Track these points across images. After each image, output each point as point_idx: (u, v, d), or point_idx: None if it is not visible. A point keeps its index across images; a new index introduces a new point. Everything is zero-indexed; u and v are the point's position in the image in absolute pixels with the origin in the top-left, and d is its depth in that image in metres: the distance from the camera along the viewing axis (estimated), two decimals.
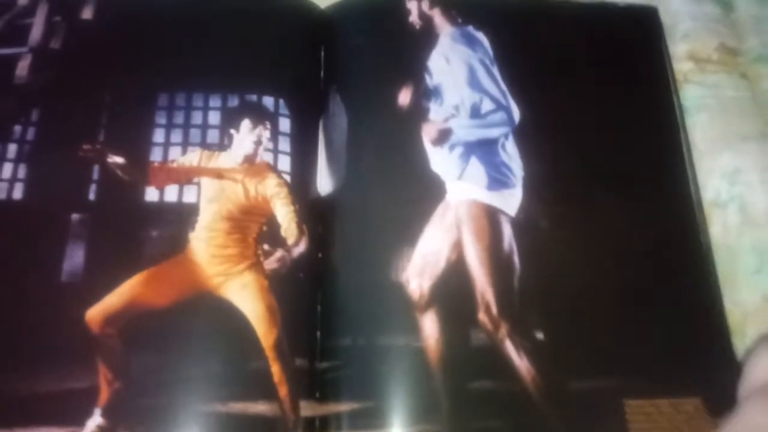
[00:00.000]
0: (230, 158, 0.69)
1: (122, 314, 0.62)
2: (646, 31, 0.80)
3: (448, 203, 0.68)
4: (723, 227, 0.72)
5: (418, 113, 0.72)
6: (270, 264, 0.66)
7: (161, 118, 0.70)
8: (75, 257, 0.64)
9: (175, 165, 0.68)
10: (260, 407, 0.59)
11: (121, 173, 0.67)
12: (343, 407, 0.60)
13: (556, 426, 0.61)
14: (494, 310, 0.63)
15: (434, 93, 0.73)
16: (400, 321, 0.63)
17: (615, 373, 0.63)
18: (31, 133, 0.70)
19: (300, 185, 0.68)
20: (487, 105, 0.72)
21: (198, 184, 0.68)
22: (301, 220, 0.66)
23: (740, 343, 0.67)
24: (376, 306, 0.64)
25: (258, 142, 0.69)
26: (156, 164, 0.68)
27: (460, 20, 0.76)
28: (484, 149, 0.70)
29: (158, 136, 0.70)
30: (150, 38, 0.74)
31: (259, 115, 0.70)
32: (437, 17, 0.76)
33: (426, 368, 0.61)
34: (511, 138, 0.71)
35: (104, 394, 0.59)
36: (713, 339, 0.66)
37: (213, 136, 0.70)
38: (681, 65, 0.80)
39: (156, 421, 0.58)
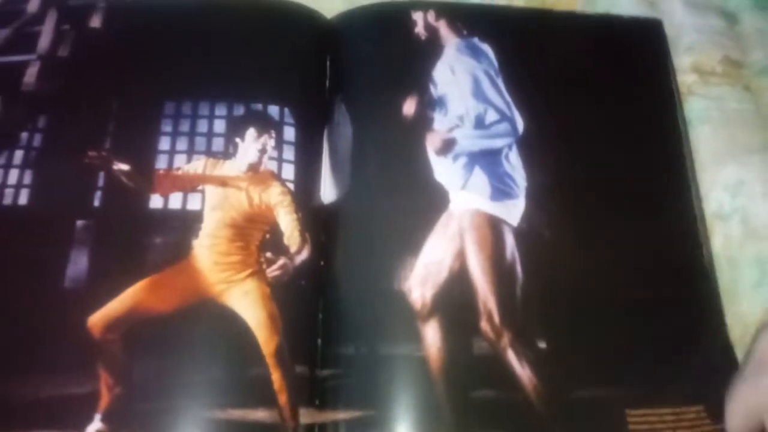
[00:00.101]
0: (235, 166, 0.69)
1: (124, 320, 0.62)
2: (651, 44, 0.80)
3: (452, 213, 0.68)
4: (725, 239, 0.72)
5: (422, 123, 0.72)
6: (272, 272, 0.66)
7: (167, 126, 0.71)
8: (79, 263, 0.65)
9: (180, 173, 0.69)
10: (260, 414, 0.59)
11: (127, 180, 0.67)
12: (343, 415, 0.60)
13: None
14: (496, 319, 0.63)
15: (439, 103, 0.73)
16: (402, 330, 0.63)
17: (617, 382, 0.63)
18: (37, 140, 0.70)
19: (303, 194, 0.69)
20: (491, 116, 0.72)
21: (202, 192, 0.68)
22: (304, 229, 0.67)
23: (741, 354, 0.66)
24: (378, 315, 0.64)
25: (263, 151, 0.69)
26: (161, 172, 0.68)
27: (465, 32, 0.77)
28: (488, 160, 0.70)
29: (164, 143, 0.70)
30: (157, 47, 0.75)
31: (264, 124, 0.70)
32: (443, 28, 0.77)
33: (428, 377, 0.61)
34: (514, 149, 0.71)
35: (105, 400, 0.59)
36: (714, 347, 0.66)
37: (218, 144, 0.70)
38: (685, 77, 0.80)
39: (156, 426, 0.58)
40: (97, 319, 0.62)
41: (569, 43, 0.79)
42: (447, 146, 0.70)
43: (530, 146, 0.71)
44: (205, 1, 0.82)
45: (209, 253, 0.66)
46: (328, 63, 0.77)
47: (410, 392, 0.60)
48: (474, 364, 0.63)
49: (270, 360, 0.61)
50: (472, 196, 0.69)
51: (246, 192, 0.68)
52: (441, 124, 0.72)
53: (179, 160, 0.70)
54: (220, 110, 0.72)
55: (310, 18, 0.79)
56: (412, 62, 0.75)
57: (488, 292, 0.64)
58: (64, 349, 0.61)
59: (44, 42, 0.75)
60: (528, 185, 0.69)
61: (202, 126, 0.71)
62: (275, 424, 0.59)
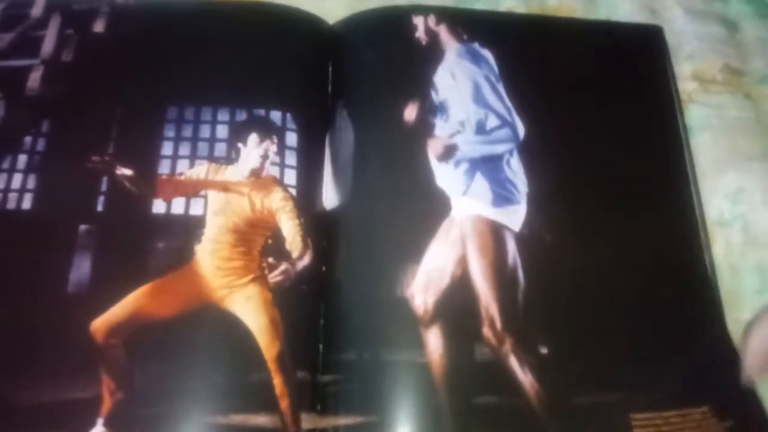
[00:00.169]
0: (237, 172, 0.69)
1: (127, 325, 0.62)
2: (651, 50, 0.81)
3: (453, 219, 0.68)
4: (726, 247, 0.72)
5: (423, 129, 0.72)
6: (274, 277, 0.66)
7: (170, 131, 0.71)
8: (82, 268, 0.65)
9: (182, 178, 0.69)
10: (261, 419, 0.59)
11: (130, 185, 0.67)
12: (345, 421, 0.60)
13: None
14: (498, 325, 0.63)
15: (440, 109, 0.73)
16: (403, 336, 0.63)
17: (620, 387, 0.63)
18: (41, 144, 0.71)
19: (305, 199, 0.69)
20: (492, 121, 0.72)
21: (205, 197, 0.68)
22: (305, 234, 0.67)
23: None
24: (379, 320, 0.64)
25: (265, 156, 0.69)
26: (164, 177, 0.69)
27: (465, 37, 0.77)
28: (489, 165, 0.71)
29: (167, 148, 0.70)
30: (160, 52, 0.75)
31: (267, 130, 0.70)
32: (443, 34, 0.77)
33: (430, 383, 0.61)
34: (515, 154, 0.71)
35: (107, 404, 0.59)
36: (716, 346, 0.66)
37: (221, 149, 0.71)
38: (685, 85, 0.80)
39: (158, 431, 0.58)
40: (99, 323, 0.62)
41: (570, 49, 0.79)
42: (448, 152, 0.71)
43: (531, 152, 0.71)
44: (208, 6, 0.82)
45: (211, 258, 0.66)
46: (330, 68, 0.77)
47: (412, 398, 0.60)
48: (476, 371, 0.63)
49: (272, 365, 0.61)
50: (473, 202, 0.69)
51: (248, 197, 0.68)
52: (442, 129, 0.72)
53: (182, 165, 0.70)
54: (223, 115, 0.72)
55: (312, 24, 0.79)
56: (413, 67, 0.76)
57: (490, 298, 0.64)
58: (67, 353, 0.61)
59: (48, 46, 0.76)
60: (529, 191, 0.70)
61: (205, 131, 0.72)
62: (277, 430, 0.59)
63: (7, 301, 0.63)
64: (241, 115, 0.72)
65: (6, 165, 0.69)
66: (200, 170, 0.69)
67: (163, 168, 0.70)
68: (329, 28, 0.79)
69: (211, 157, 0.70)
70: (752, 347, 0.63)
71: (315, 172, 0.71)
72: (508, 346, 0.63)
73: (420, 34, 0.77)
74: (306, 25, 0.78)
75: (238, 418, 0.59)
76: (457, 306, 0.65)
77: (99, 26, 0.77)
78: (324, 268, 0.67)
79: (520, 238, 0.67)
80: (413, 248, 0.66)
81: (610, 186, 0.72)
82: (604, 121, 0.75)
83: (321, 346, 0.64)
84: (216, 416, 0.58)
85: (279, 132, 0.71)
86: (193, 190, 0.69)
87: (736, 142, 0.77)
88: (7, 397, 0.59)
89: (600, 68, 0.78)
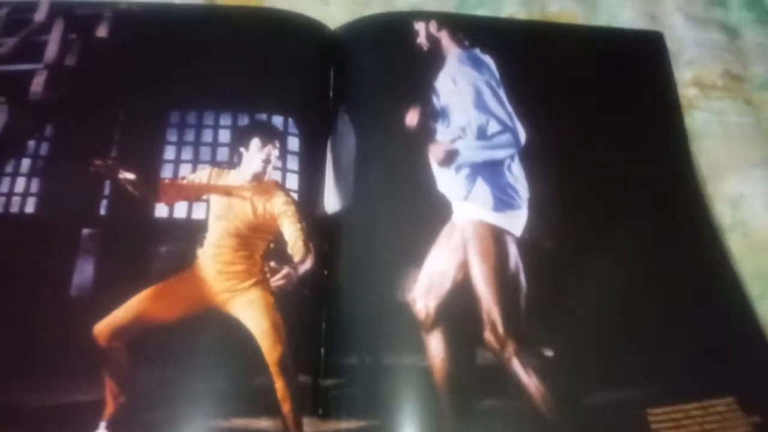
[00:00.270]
0: (239, 176, 0.70)
1: (129, 329, 0.62)
2: (652, 56, 0.81)
3: (455, 224, 0.68)
4: None
5: (425, 134, 0.72)
6: (276, 281, 0.66)
7: (172, 136, 0.71)
8: (84, 271, 0.65)
9: (185, 182, 0.69)
10: (263, 423, 0.59)
11: (132, 189, 0.68)
12: (347, 425, 0.60)
13: None
14: (500, 329, 0.63)
15: (441, 114, 0.73)
16: (405, 340, 0.64)
17: (633, 382, 0.62)
18: (44, 149, 0.71)
19: (307, 203, 0.69)
20: (493, 127, 0.72)
21: (207, 201, 0.69)
22: (307, 238, 0.67)
23: None
24: (381, 325, 0.64)
25: (267, 161, 0.70)
26: (166, 181, 0.69)
27: (467, 43, 0.77)
28: (490, 170, 0.71)
29: (169, 153, 0.71)
30: (163, 57, 0.76)
31: (269, 134, 0.71)
32: (444, 39, 0.78)
33: (431, 387, 0.61)
34: (517, 160, 0.71)
35: (110, 408, 0.59)
36: (744, 332, 0.64)
37: (223, 154, 0.71)
38: (686, 91, 0.81)
39: None
40: (102, 327, 0.62)
41: (571, 55, 0.80)
42: (449, 157, 0.71)
43: (533, 157, 0.71)
44: (211, 11, 0.83)
45: (213, 262, 0.66)
46: (331, 73, 0.78)
47: (414, 402, 0.60)
48: (478, 375, 0.63)
49: (273, 369, 0.61)
50: (474, 206, 0.69)
51: (250, 202, 0.68)
52: (443, 135, 0.72)
53: (184, 170, 0.70)
54: (225, 120, 0.72)
55: (314, 29, 0.79)
56: (415, 73, 0.76)
57: (492, 302, 0.64)
58: (70, 356, 0.61)
59: (51, 51, 0.76)
60: (530, 196, 0.70)
61: (207, 136, 0.72)
62: None
63: (10, 305, 0.63)
64: (244, 120, 0.72)
65: (9, 169, 0.70)
66: (202, 174, 0.70)
67: (166, 172, 0.70)
68: (331, 34, 0.80)
69: (213, 162, 0.71)
70: None
71: (317, 176, 0.71)
72: (510, 350, 0.63)
73: (421, 39, 0.78)
74: (308, 30, 0.79)
75: (240, 422, 0.59)
76: (458, 310, 0.65)
77: (102, 31, 0.77)
78: (326, 273, 0.67)
79: (521, 243, 0.67)
80: (415, 253, 0.66)
81: (611, 191, 0.72)
82: (604, 127, 0.75)
83: (323, 350, 0.64)
84: (218, 420, 0.58)
85: (281, 137, 0.71)
86: (195, 194, 0.69)
87: (737, 148, 0.77)
88: (11, 400, 0.59)
89: (601, 74, 0.79)
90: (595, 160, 0.73)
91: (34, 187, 0.69)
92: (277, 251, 0.67)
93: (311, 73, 0.77)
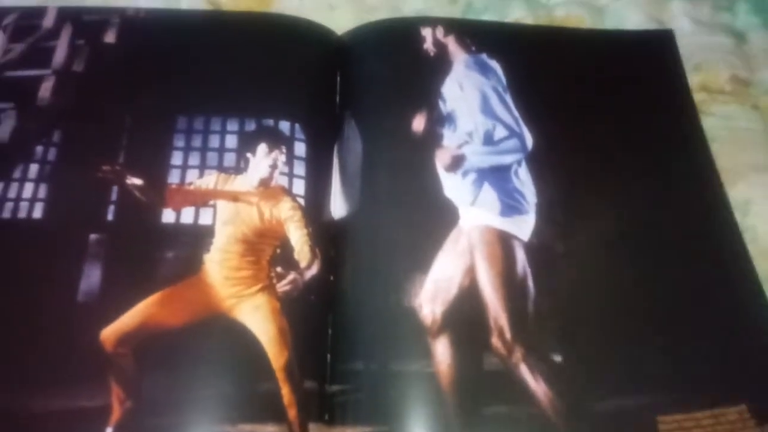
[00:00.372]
0: (246, 181, 0.70)
1: (136, 334, 0.62)
2: (662, 54, 0.80)
3: (461, 229, 0.68)
4: None
5: (431, 139, 0.72)
6: (282, 286, 0.66)
7: (179, 141, 0.72)
8: (92, 277, 0.65)
9: (192, 187, 0.69)
10: (269, 429, 0.59)
11: (139, 195, 0.68)
12: (353, 430, 0.60)
13: None
14: (508, 334, 0.63)
15: (448, 119, 0.73)
16: (412, 346, 0.63)
17: (643, 390, 0.61)
18: (52, 154, 0.71)
19: (314, 209, 0.69)
20: (500, 132, 0.72)
21: (214, 207, 0.69)
22: (314, 244, 0.67)
23: None
24: (387, 330, 0.64)
25: (273, 166, 0.70)
26: (173, 186, 0.69)
27: (473, 48, 0.77)
28: (497, 176, 0.71)
29: (176, 158, 0.71)
30: (170, 63, 0.76)
31: (276, 140, 0.71)
32: (451, 45, 0.78)
33: (438, 393, 0.61)
34: (524, 165, 0.71)
35: (116, 413, 0.60)
36: (758, 338, 0.64)
37: (230, 159, 0.71)
38: (693, 96, 0.80)
39: None
40: (109, 332, 0.62)
41: (577, 59, 0.80)
42: (456, 162, 0.71)
43: (540, 162, 0.71)
44: (217, 17, 0.83)
45: (220, 267, 0.67)
46: (338, 79, 0.78)
47: (420, 408, 0.60)
48: (485, 380, 0.63)
49: (280, 375, 0.61)
50: (481, 212, 0.69)
51: (257, 207, 0.69)
52: (450, 140, 0.72)
53: (191, 175, 0.70)
54: (232, 126, 0.72)
55: (321, 35, 0.79)
56: (421, 78, 0.76)
57: (499, 307, 0.64)
58: (76, 361, 0.61)
59: (59, 57, 0.76)
60: (538, 201, 0.69)
61: (214, 141, 0.72)
62: None
63: (17, 309, 0.63)
64: (250, 126, 0.72)
65: (18, 174, 0.70)
66: (209, 180, 0.70)
67: (173, 178, 0.70)
68: (338, 39, 0.80)
69: (220, 167, 0.71)
70: None
71: (323, 181, 0.71)
72: (518, 356, 0.62)
73: (428, 45, 0.78)
74: (315, 36, 0.79)
75: (247, 428, 0.59)
76: (465, 316, 0.65)
77: (110, 37, 0.78)
78: (332, 278, 0.67)
79: (529, 248, 0.67)
80: (421, 258, 0.66)
81: (619, 194, 0.71)
82: (612, 130, 0.75)
83: (329, 356, 0.64)
84: (224, 426, 0.58)
85: (288, 142, 0.71)
86: (202, 199, 0.69)
87: (745, 153, 0.77)
88: (18, 404, 0.59)
89: (607, 77, 0.79)
90: (602, 164, 0.73)
91: (42, 192, 0.69)
92: (284, 257, 0.67)
93: (318, 79, 0.77)
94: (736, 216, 0.72)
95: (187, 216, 0.69)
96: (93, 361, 0.61)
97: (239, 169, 0.70)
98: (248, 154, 0.70)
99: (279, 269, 0.67)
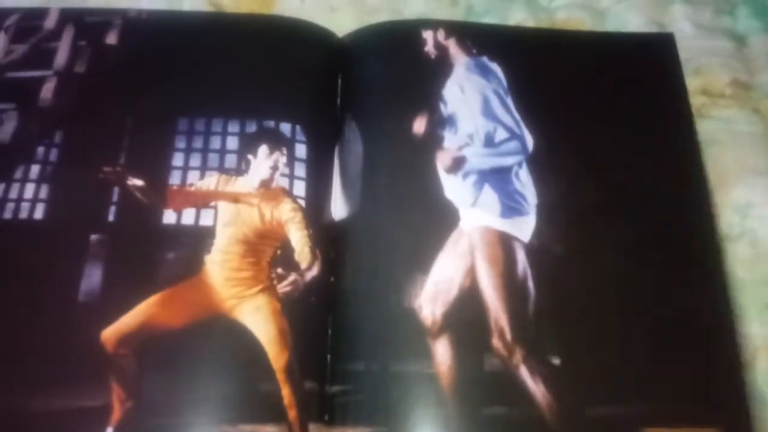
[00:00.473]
0: (247, 183, 0.70)
1: (137, 335, 0.62)
2: (662, 57, 0.80)
3: (462, 230, 0.68)
4: (734, 261, 0.72)
5: (432, 141, 0.72)
6: (283, 287, 0.66)
7: (181, 143, 0.72)
8: (92, 277, 0.65)
9: (193, 189, 0.69)
10: (270, 429, 0.59)
11: (140, 196, 0.68)
12: (353, 431, 0.60)
13: None
14: (508, 335, 0.63)
15: (449, 121, 0.74)
16: (412, 347, 0.64)
17: (632, 399, 0.62)
18: (53, 155, 0.71)
19: (314, 210, 0.69)
20: (500, 134, 0.72)
21: (215, 208, 0.69)
22: (314, 245, 0.67)
23: (750, 377, 0.66)
24: (388, 331, 0.64)
25: (274, 168, 0.70)
26: (174, 187, 0.69)
27: (474, 51, 0.77)
28: (498, 177, 0.71)
29: (177, 160, 0.71)
30: (171, 64, 0.76)
31: (276, 141, 0.71)
32: (452, 47, 0.78)
33: (438, 394, 0.61)
34: (524, 166, 0.71)
35: (117, 413, 0.60)
36: (731, 367, 0.64)
37: (231, 160, 0.71)
38: (693, 99, 0.80)
39: None
40: (109, 333, 0.62)
41: (578, 62, 0.80)
42: (457, 164, 0.71)
43: (540, 164, 0.71)
44: (219, 19, 0.83)
45: (221, 268, 0.67)
46: (339, 81, 0.78)
47: (420, 409, 0.60)
48: (485, 381, 0.63)
49: (280, 375, 0.61)
50: (482, 213, 0.69)
51: (258, 208, 0.69)
52: (451, 142, 0.72)
53: (192, 176, 0.70)
54: (233, 127, 0.72)
55: (322, 37, 0.80)
56: (422, 81, 0.76)
57: (500, 309, 0.64)
58: (77, 362, 0.61)
59: (61, 58, 0.76)
60: (539, 203, 0.70)
61: (215, 143, 0.72)
62: None
63: (18, 309, 0.64)
64: (251, 127, 0.72)
65: (19, 175, 0.70)
66: (210, 181, 0.70)
67: (174, 179, 0.70)
68: (339, 41, 0.80)
69: (221, 168, 0.71)
70: None
71: (324, 183, 0.71)
72: (518, 357, 0.63)
73: (429, 47, 0.78)
74: (316, 38, 0.79)
75: (247, 429, 0.59)
76: (465, 317, 0.65)
77: (112, 38, 0.78)
78: (332, 279, 0.67)
79: (529, 249, 0.67)
80: (422, 259, 0.66)
81: (620, 196, 0.72)
82: (612, 133, 0.75)
83: (329, 357, 0.64)
84: (224, 426, 0.59)
85: (288, 144, 0.71)
86: (203, 200, 0.69)
87: (745, 156, 0.77)
88: (18, 404, 0.60)
89: (609, 80, 0.78)
90: (603, 166, 0.73)
91: (43, 193, 0.69)
92: (284, 258, 0.68)
93: (319, 81, 0.77)
94: (735, 219, 0.72)
95: (188, 217, 0.69)
96: (94, 361, 0.61)
97: (240, 170, 0.71)
98: (249, 156, 0.71)
99: (280, 270, 0.67)
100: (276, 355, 0.62)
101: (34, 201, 0.69)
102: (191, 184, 0.70)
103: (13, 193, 0.69)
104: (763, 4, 0.88)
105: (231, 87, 0.75)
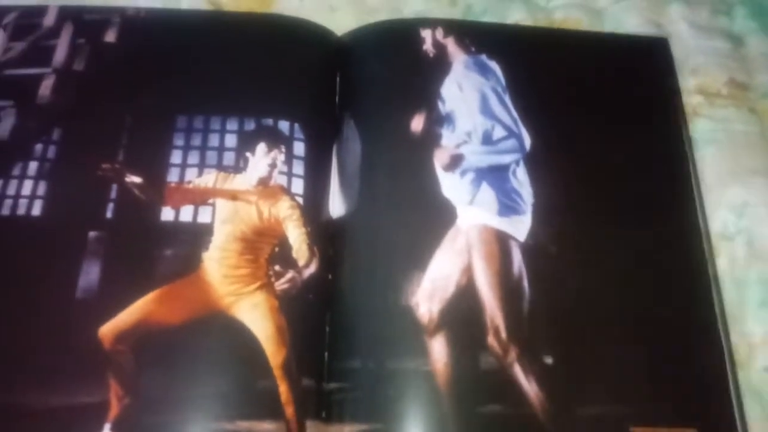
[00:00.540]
0: (245, 180, 0.70)
1: (134, 331, 0.62)
2: (656, 61, 0.81)
3: (459, 228, 0.68)
4: (730, 259, 0.72)
5: (430, 139, 0.73)
6: (281, 285, 0.66)
7: (179, 140, 0.72)
8: (90, 274, 0.65)
9: (191, 186, 0.70)
10: (267, 426, 0.59)
11: (139, 193, 0.68)
12: (350, 428, 0.60)
13: None
14: (503, 334, 0.64)
15: (447, 119, 0.74)
16: (408, 344, 0.64)
17: (622, 399, 0.63)
18: (52, 152, 0.71)
19: (312, 208, 0.69)
20: (498, 132, 0.73)
21: (213, 205, 0.69)
22: (312, 242, 0.67)
23: (746, 375, 0.66)
24: (384, 329, 0.64)
25: (273, 165, 0.70)
26: (172, 185, 0.69)
27: (473, 49, 0.78)
28: (495, 175, 0.71)
29: (176, 157, 0.71)
30: (170, 62, 0.76)
31: (275, 139, 0.71)
32: (450, 45, 0.78)
33: (434, 392, 0.61)
34: (522, 165, 0.71)
35: (114, 410, 0.60)
36: (712, 369, 0.65)
37: (229, 158, 0.71)
38: (691, 99, 0.81)
39: None
40: (107, 329, 0.62)
41: (576, 61, 0.80)
42: (454, 162, 0.71)
43: (537, 163, 0.72)
44: (218, 18, 0.83)
45: (219, 265, 0.67)
46: (338, 79, 0.78)
47: (417, 406, 0.60)
48: (481, 379, 0.63)
49: (277, 372, 0.62)
50: (479, 211, 0.69)
51: (256, 206, 0.69)
52: (449, 140, 0.73)
53: (190, 174, 0.70)
54: (232, 125, 0.73)
55: (321, 35, 0.80)
56: (421, 79, 0.76)
57: (495, 307, 0.65)
58: (75, 358, 0.61)
59: (60, 56, 0.77)
60: (535, 201, 0.70)
61: (214, 140, 0.72)
62: None
63: (16, 306, 0.64)
64: (250, 125, 0.72)
65: (17, 172, 0.70)
66: (209, 179, 0.70)
67: (172, 176, 0.70)
68: (338, 40, 0.80)
69: (219, 166, 0.71)
70: None
71: (322, 181, 0.71)
72: (512, 356, 0.63)
73: (428, 46, 0.78)
74: (315, 36, 0.79)
75: (244, 425, 0.59)
76: (462, 315, 0.65)
77: (110, 36, 0.78)
78: (330, 277, 0.67)
79: (525, 248, 0.67)
80: (419, 257, 0.66)
81: (616, 197, 0.72)
82: (609, 133, 0.75)
83: (326, 354, 0.64)
84: (222, 423, 0.59)
85: (287, 142, 0.72)
86: (201, 198, 0.69)
87: (741, 156, 0.77)
88: (16, 400, 0.60)
89: (605, 80, 0.79)
90: (599, 166, 0.73)
91: (41, 189, 0.69)
92: (282, 255, 0.68)
93: (318, 79, 0.77)
94: (731, 218, 0.73)
95: (186, 214, 0.69)
96: (91, 357, 0.61)
97: (238, 168, 0.71)
98: (247, 154, 0.71)
99: (277, 267, 0.67)
100: (273, 352, 0.62)
101: (32, 198, 0.69)
102: (189, 182, 0.70)
103: (11, 190, 0.69)
104: (760, 4, 0.89)
105: (230, 85, 0.75)
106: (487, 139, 0.72)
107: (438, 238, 0.67)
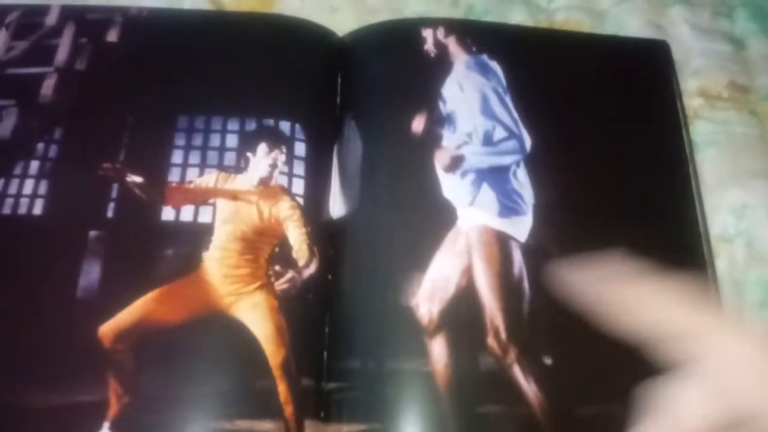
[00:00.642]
0: (246, 180, 0.70)
1: (134, 331, 0.62)
2: (657, 64, 0.81)
3: (459, 229, 0.68)
4: (729, 261, 0.72)
5: (431, 140, 0.73)
6: (281, 285, 0.67)
7: (180, 140, 0.72)
8: (91, 273, 0.66)
9: (192, 186, 0.70)
10: (266, 425, 0.59)
11: (140, 192, 0.68)
12: (348, 428, 0.60)
13: None
14: (503, 335, 0.64)
15: (447, 120, 0.74)
16: (408, 345, 0.64)
17: (621, 400, 0.62)
18: (53, 151, 0.71)
19: (313, 208, 0.69)
20: (499, 133, 0.73)
21: (213, 205, 0.69)
22: (312, 243, 0.67)
23: None
24: (384, 329, 0.64)
25: (273, 166, 0.70)
26: (173, 184, 0.69)
27: (474, 49, 0.78)
28: (496, 176, 0.71)
29: (177, 157, 0.71)
30: (172, 62, 0.76)
31: (276, 140, 0.71)
32: (452, 45, 0.78)
33: (434, 392, 0.61)
34: (522, 166, 0.71)
35: (113, 409, 0.60)
36: None
37: (230, 158, 0.71)
38: (691, 101, 0.81)
39: None
40: (107, 328, 0.62)
41: (577, 62, 0.80)
42: (455, 163, 0.71)
43: (538, 164, 0.71)
44: (219, 18, 0.83)
45: (219, 265, 0.67)
46: (339, 80, 0.78)
47: (416, 407, 0.60)
48: (480, 380, 0.63)
49: (277, 372, 0.62)
50: (480, 212, 0.69)
51: (256, 206, 0.69)
52: (449, 140, 0.73)
53: (191, 174, 0.70)
54: (233, 125, 0.73)
55: (322, 36, 0.80)
56: (422, 79, 0.76)
57: (495, 308, 0.65)
58: (75, 357, 0.61)
59: (61, 55, 0.77)
60: (536, 202, 0.70)
61: (215, 140, 0.72)
62: None
63: (16, 305, 0.64)
64: (251, 125, 0.72)
65: (18, 171, 0.70)
66: (209, 179, 0.70)
67: (173, 176, 0.70)
68: (339, 40, 0.80)
69: (220, 166, 0.71)
70: None
71: (323, 181, 0.71)
72: (512, 356, 0.63)
73: (429, 46, 0.78)
74: (316, 37, 0.79)
75: (243, 425, 0.59)
76: (462, 315, 0.65)
77: (112, 36, 0.78)
78: (330, 277, 0.67)
79: (526, 249, 0.67)
80: (419, 258, 0.66)
81: (616, 198, 0.72)
82: (610, 134, 0.75)
83: (326, 354, 0.64)
84: (221, 422, 0.59)
85: (288, 142, 0.72)
86: (202, 198, 0.69)
87: (742, 158, 0.77)
88: (15, 399, 0.60)
89: (606, 82, 0.79)
90: (600, 168, 0.73)
91: (42, 189, 0.69)
92: (282, 255, 0.68)
93: (319, 80, 0.77)
94: (731, 220, 0.73)
95: (187, 214, 0.69)
96: (91, 356, 0.61)
97: (239, 168, 0.71)
98: (248, 154, 0.71)
99: (277, 267, 0.67)
100: (273, 352, 0.62)
101: (33, 197, 0.69)
102: (190, 182, 0.70)
103: (13, 189, 0.69)
104: (761, 7, 0.89)
105: (231, 85, 0.75)
106: (487, 140, 0.72)
107: (438, 239, 0.67)
